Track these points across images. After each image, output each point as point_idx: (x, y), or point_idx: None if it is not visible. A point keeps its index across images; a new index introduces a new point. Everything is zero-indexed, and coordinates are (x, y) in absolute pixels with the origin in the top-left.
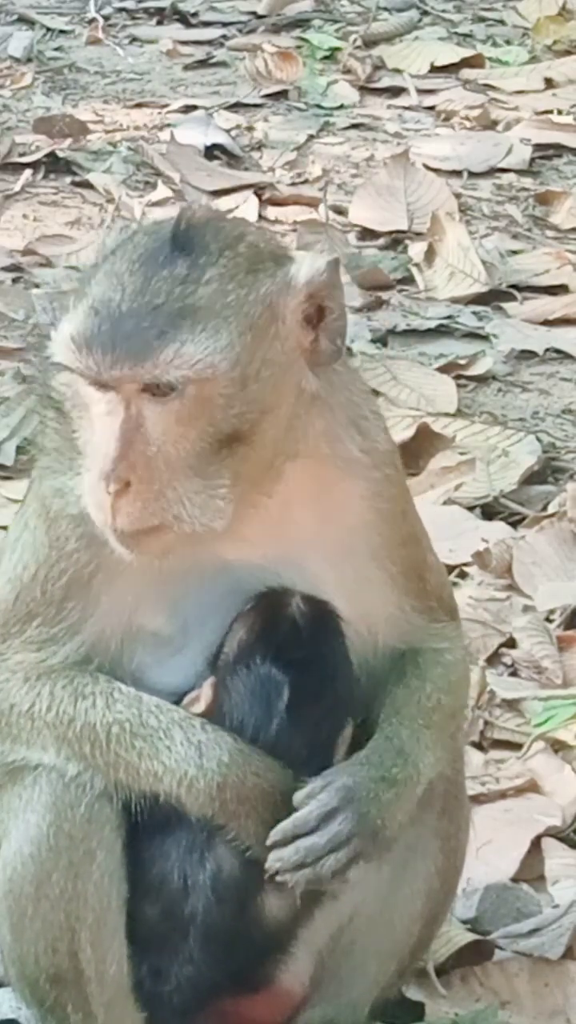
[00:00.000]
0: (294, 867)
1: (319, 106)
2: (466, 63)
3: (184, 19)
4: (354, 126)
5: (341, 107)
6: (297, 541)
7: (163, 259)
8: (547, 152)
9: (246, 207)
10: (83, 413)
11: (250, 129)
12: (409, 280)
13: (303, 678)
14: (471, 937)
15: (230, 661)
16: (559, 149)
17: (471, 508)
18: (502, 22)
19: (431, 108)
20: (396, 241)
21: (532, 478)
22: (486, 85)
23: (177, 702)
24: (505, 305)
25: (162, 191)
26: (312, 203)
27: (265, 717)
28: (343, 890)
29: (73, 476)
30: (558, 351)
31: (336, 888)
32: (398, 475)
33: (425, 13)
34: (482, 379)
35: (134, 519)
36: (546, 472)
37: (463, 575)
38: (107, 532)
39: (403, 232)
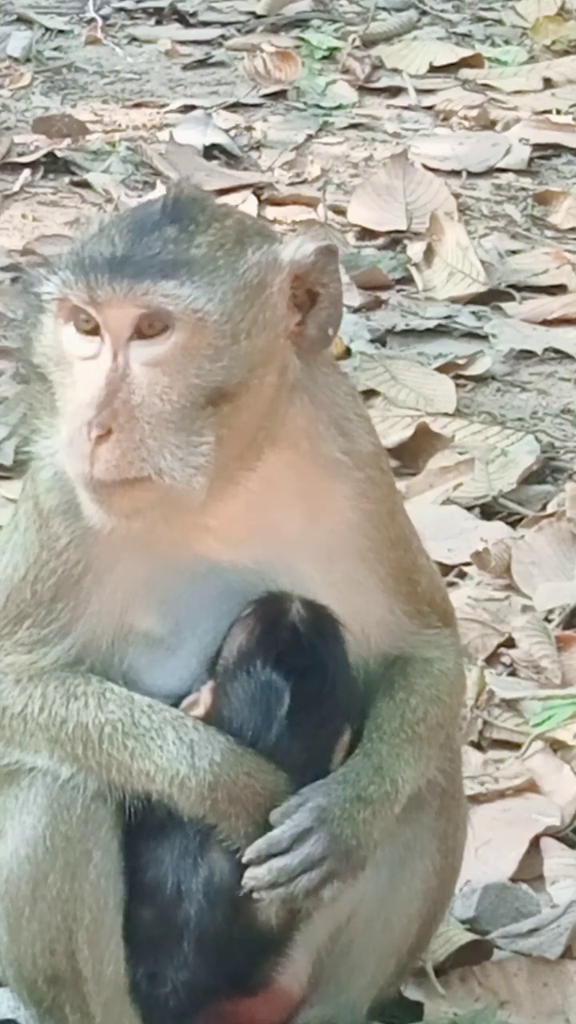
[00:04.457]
0: (267, 886)
1: (318, 106)
2: (465, 63)
3: (183, 19)
4: (353, 126)
5: (340, 107)
6: (284, 542)
7: (152, 225)
8: (546, 152)
9: (245, 207)
10: (66, 370)
11: (249, 129)
12: (408, 280)
13: (303, 684)
14: (470, 937)
15: (230, 666)
16: (558, 149)
17: (470, 508)
18: (501, 22)
19: (430, 108)
20: (395, 241)
21: (531, 478)
22: (485, 85)
23: (175, 705)
24: (504, 305)
25: (161, 191)
26: (311, 203)
27: (265, 723)
28: (319, 906)
29: (44, 442)
30: (557, 351)
31: (311, 906)
32: (383, 477)
33: (424, 13)
34: (481, 379)
35: (112, 468)
36: (545, 472)
37: (462, 575)
38: (83, 485)
39: (402, 232)
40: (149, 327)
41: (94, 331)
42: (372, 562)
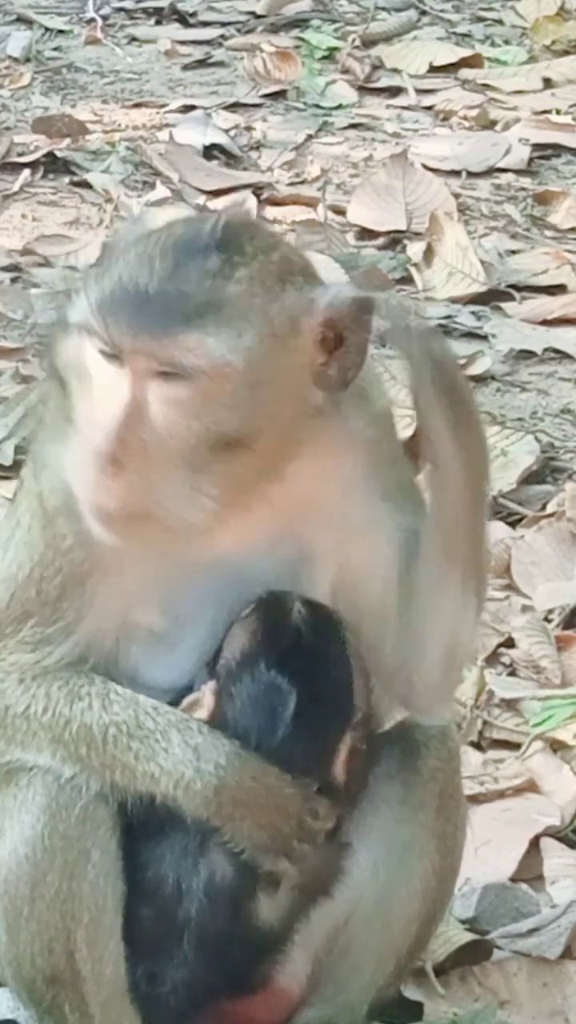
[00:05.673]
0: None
1: (318, 106)
2: (464, 63)
3: (183, 19)
4: (353, 126)
5: (340, 107)
6: (290, 518)
7: (197, 250)
8: (546, 152)
9: (245, 207)
10: (85, 384)
11: (249, 129)
12: (408, 280)
13: (307, 686)
14: (470, 937)
15: (232, 667)
16: (558, 149)
17: None
18: (500, 22)
19: (430, 108)
20: (395, 241)
21: (531, 478)
22: (484, 85)
23: (174, 702)
24: (504, 305)
25: (161, 191)
26: (311, 203)
27: (269, 726)
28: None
29: (57, 450)
30: (557, 351)
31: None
32: (392, 427)
33: (424, 13)
34: (481, 379)
35: (117, 501)
36: (545, 472)
37: None
38: (87, 510)
39: (402, 232)
40: (170, 370)
41: (116, 356)
42: (385, 506)
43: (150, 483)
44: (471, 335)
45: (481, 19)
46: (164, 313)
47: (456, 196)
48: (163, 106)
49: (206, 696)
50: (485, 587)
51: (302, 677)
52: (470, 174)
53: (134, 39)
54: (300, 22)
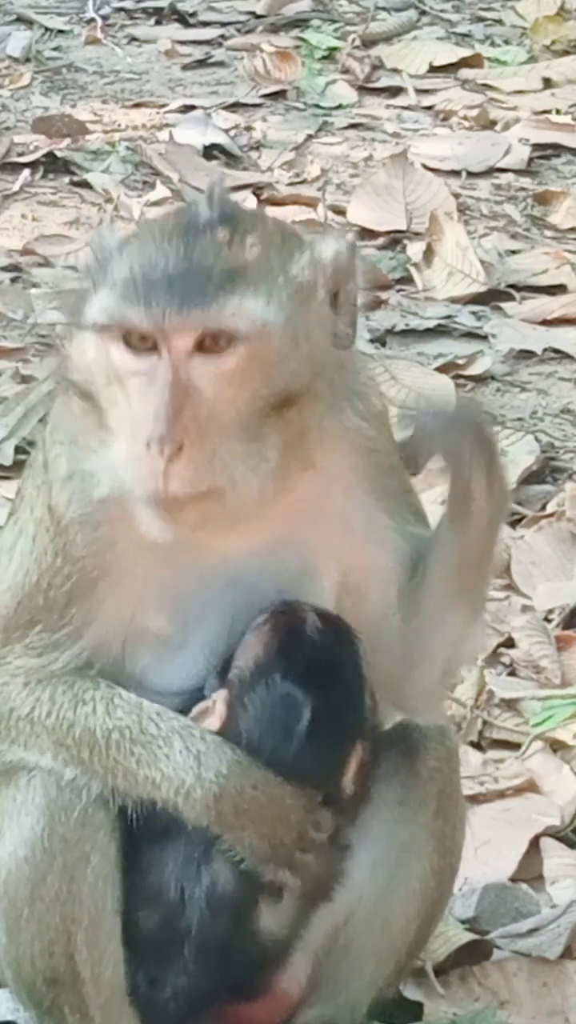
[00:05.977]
0: None
1: (318, 106)
2: (464, 63)
3: (183, 19)
4: (352, 126)
5: (340, 107)
6: (294, 521)
7: (202, 227)
8: (545, 152)
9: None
10: (115, 388)
11: (249, 129)
12: (408, 280)
13: (322, 697)
14: (469, 937)
15: (246, 678)
16: (557, 149)
17: None
18: (500, 22)
19: (429, 108)
20: (395, 241)
21: (531, 478)
22: (484, 85)
23: (183, 706)
24: (504, 305)
25: (161, 191)
26: (311, 203)
27: (284, 738)
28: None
29: (96, 460)
30: (556, 351)
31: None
32: (389, 432)
33: (423, 13)
34: (480, 379)
35: (187, 483)
36: (544, 472)
37: None
38: (153, 502)
39: (402, 232)
40: (213, 343)
41: (150, 349)
42: (386, 511)
43: (214, 459)
44: (471, 335)
45: (481, 19)
46: (197, 286)
47: (456, 196)
48: (163, 106)
49: (218, 705)
50: (485, 601)
51: (317, 688)
52: (470, 174)
53: (134, 39)
54: (300, 22)
